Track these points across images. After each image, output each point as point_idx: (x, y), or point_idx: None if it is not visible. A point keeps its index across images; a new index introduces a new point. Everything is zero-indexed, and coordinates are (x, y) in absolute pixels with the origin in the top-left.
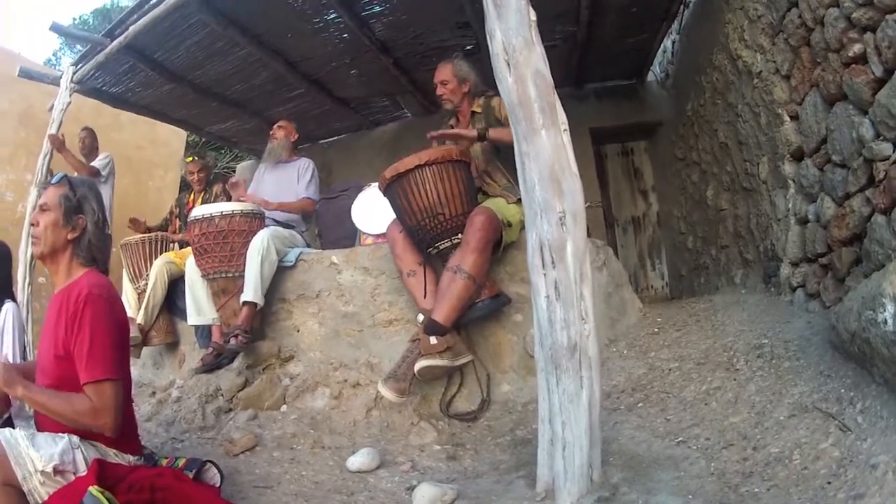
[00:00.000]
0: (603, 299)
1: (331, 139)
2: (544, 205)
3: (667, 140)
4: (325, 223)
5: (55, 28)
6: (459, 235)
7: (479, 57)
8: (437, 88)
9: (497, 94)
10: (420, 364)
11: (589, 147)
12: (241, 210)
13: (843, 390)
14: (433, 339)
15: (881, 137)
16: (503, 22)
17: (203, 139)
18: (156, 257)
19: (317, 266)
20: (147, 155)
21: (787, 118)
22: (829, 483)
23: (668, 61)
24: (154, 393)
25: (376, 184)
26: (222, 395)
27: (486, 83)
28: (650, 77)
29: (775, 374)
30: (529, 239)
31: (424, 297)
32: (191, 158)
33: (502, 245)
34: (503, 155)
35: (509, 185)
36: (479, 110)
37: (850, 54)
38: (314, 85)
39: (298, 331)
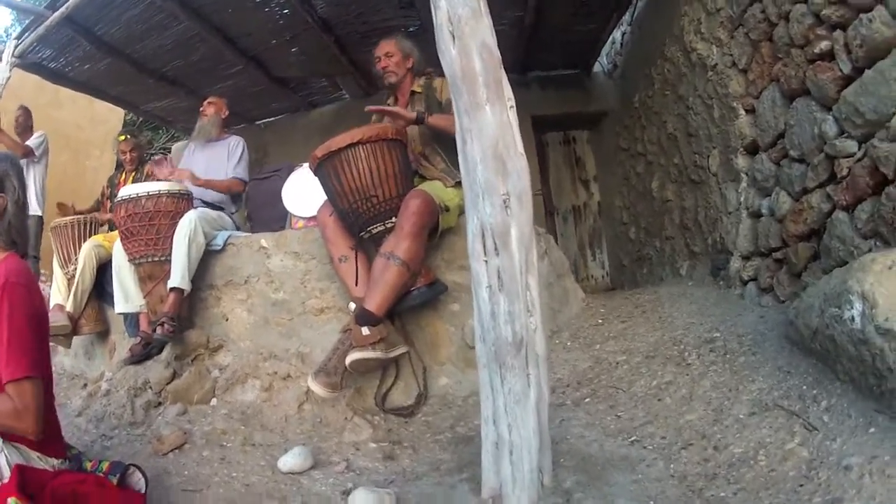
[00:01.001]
0: (543, 290)
1: (268, 120)
2: (486, 186)
3: (611, 131)
4: (256, 205)
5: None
6: (393, 219)
7: (425, 38)
8: (381, 62)
9: (440, 74)
10: (352, 357)
11: (531, 135)
12: (168, 190)
13: (804, 387)
14: (365, 330)
15: (845, 135)
16: None
17: (140, 118)
18: (85, 240)
19: (245, 250)
20: (85, 134)
21: (742, 111)
22: (802, 486)
23: (616, 52)
24: (85, 385)
25: (308, 164)
26: (151, 388)
27: (430, 64)
28: (597, 68)
29: (730, 369)
30: (470, 223)
31: (356, 284)
32: (123, 137)
33: (439, 230)
34: (442, 137)
35: (447, 168)
36: (419, 90)
37: (816, 51)
38: (252, 62)
39: (227, 319)
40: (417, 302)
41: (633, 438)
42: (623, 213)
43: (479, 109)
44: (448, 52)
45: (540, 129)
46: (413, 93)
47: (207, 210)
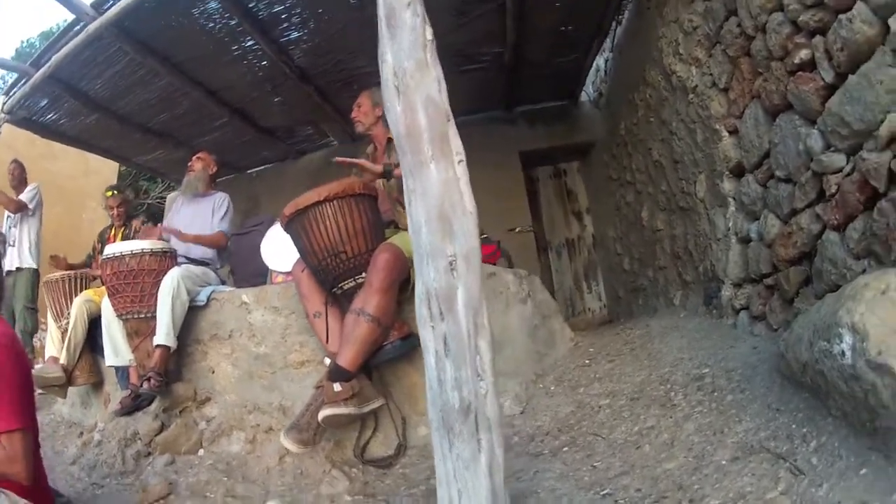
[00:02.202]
0: (528, 333)
1: (258, 169)
2: (431, 249)
3: (600, 161)
4: (238, 259)
5: None
6: (364, 274)
7: None
8: (353, 111)
9: None
10: (323, 413)
11: (519, 171)
12: (151, 249)
13: (794, 426)
14: (337, 386)
15: (832, 148)
16: (395, 43)
17: (134, 171)
18: (77, 294)
19: (228, 305)
20: (80, 185)
21: (725, 133)
22: None
23: (601, 80)
24: (81, 434)
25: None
26: (140, 439)
27: None
28: (583, 97)
29: (717, 409)
30: (417, 287)
31: (327, 341)
32: (109, 193)
33: (411, 283)
34: None
35: None
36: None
37: (796, 61)
38: (237, 114)
39: (213, 372)
40: (391, 356)
41: (605, 491)
42: (616, 244)
43: (422, 168)
44: (393, 109)
45: (529, 165)
46: (389, 140)
47: (191, 267)
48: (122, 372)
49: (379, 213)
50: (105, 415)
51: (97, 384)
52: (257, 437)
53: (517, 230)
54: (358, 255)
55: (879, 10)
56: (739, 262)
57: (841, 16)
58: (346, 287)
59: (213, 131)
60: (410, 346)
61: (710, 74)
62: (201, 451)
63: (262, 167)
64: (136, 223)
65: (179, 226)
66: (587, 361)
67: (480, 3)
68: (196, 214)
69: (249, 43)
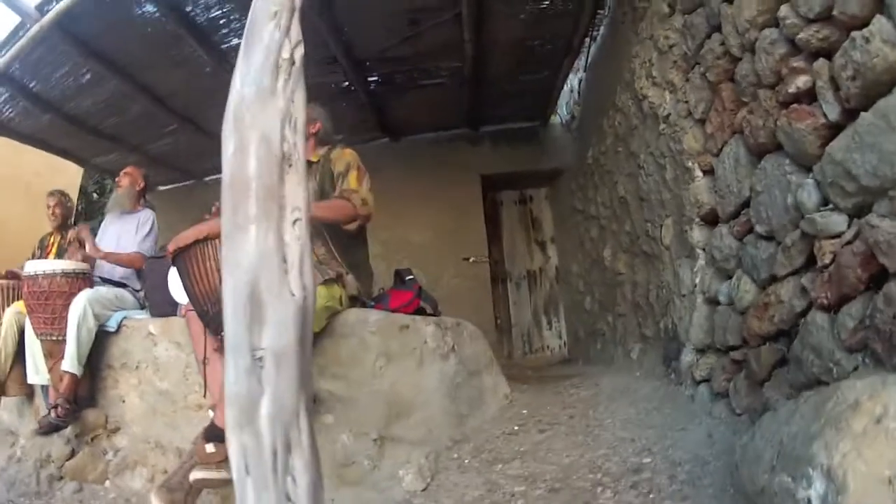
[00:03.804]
0: (447, 394)
1: (215, 176)
2: (234, 340)
3: (568, 189)
4: (152, 285)
5: None
6: None
7: (356, 96)
8: None
9: (344, 144)
10: (194, 475)
11: (479, 196)
12: (63, 270)
13: None
14: (210, 447)
15: (830, 206)
16: (247, 62)
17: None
18: (10, 305)
19: (136, 335)
20: (45, 181)
21: (698, 173)
22: None
23: (574, 102)
24: (13, 444)
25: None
26: (53, 462)
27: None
28: (557, 119)
29: None
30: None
31: (204, 395)
32: (50, 192)
33: None
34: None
35: (328, 255)
36: (315, 160)
37: (792, 90)
38: (188, 121)
39: (124, 401)
40: None
41: None
42: (579, 280)
43: (240, 232)
44: (225, 151)
45: (491, 189)
46: (309, 163)
47: (102, 290)
48: (44, 389)
49: None
50: (25, 432)
51: (31, 395)
52: (156, 477)
53: (472, 260)
54: None
55: None
56: (704, 326)
57: (854, 33)
58: None
59: (164, 136)
60: None
61: (686, 102)
62: (108, 482)
63: (218, 175)
64: (72, 233)
65: (107, 244)
66: (516, 428)
67: (435, 12)
68: (123, 232)
69: (189, 49)
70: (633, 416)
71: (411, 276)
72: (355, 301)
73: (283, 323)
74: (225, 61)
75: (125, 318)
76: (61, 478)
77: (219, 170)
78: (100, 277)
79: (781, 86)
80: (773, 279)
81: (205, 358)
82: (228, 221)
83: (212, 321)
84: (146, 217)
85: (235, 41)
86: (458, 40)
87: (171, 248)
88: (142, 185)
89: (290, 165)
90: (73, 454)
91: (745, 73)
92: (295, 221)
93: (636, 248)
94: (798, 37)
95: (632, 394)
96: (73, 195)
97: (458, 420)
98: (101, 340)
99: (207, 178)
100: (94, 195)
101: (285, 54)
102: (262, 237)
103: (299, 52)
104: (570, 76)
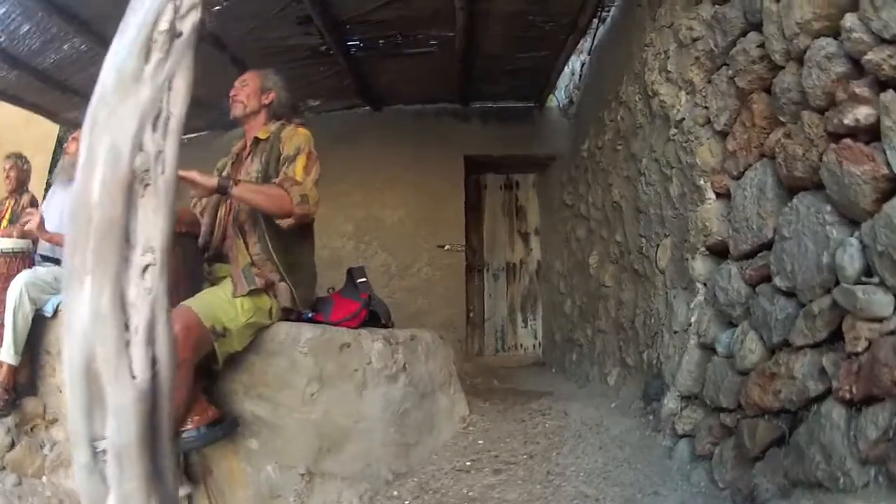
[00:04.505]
0: (391, 421)
1: (190, 135)
2: (73, 428)
3: (558, 180)
4: None
5: None
6: None
7: (333, 60)
8: (233, 88)
9: (301, 123)
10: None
11: (461, 177)
12: (1, 249)
13: None
14: None
15: (876, 280)
16: (120, 37)
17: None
18: None
19: None
20: (19, 136)
21: (710, 194)
22: None
23: (574, 86)
24: None
25: None
26: None
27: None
28: (554, 101)
29: None
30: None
31: None
32: (7, 156)
33: (220, 359)
34: None
35: (262, 256)
36: (263, 136)
37: (848, 121)
38: None
39: (61, 391)
40: (188, 448)
41: None
42: (560, 280)
43: (75, 283)
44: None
45: (476, 170)
46: (257, 140)
47: (40, 271)
48: None
49: (196, 257)
50: None
51: None
52: None
53: (447, 247)
54: None
55: None
56: (694, 374)
57: None
58: None
59: None
60: (214, 436)
61: (706, 107)
62: (45, 478)
63: (194, 134)
64: (25, 199)
65: (51, 217)
66: (468, 464)
67: None
68: (66, 203)
69: None
70: (601, 467)
71: (364, 279)
72: (290, 312)
73: (123, 412)
74: None
75: (61, 302)
76: (3, 468)
77: (195, 130)
78: (40, 255)
79: (834, 112)
80: (787, 346)
81: None
82: (69, 266)
83: None
84: None
85: None
86: (450, 7)
87: None
88: None
89: (147, 186)
90: (13, 445)
91: (787, 86)
92: (146, 268)
93: (626, 263)
94: (865, 57)
95: (603, 433)
96: (50, 148)
97: (404, 450)
98: (38, 325)
99: (183, 137)
100: (23, 164)
101: (163, 24)
102: (98, 293)
103: (190, 20)
104: (573, 57)
